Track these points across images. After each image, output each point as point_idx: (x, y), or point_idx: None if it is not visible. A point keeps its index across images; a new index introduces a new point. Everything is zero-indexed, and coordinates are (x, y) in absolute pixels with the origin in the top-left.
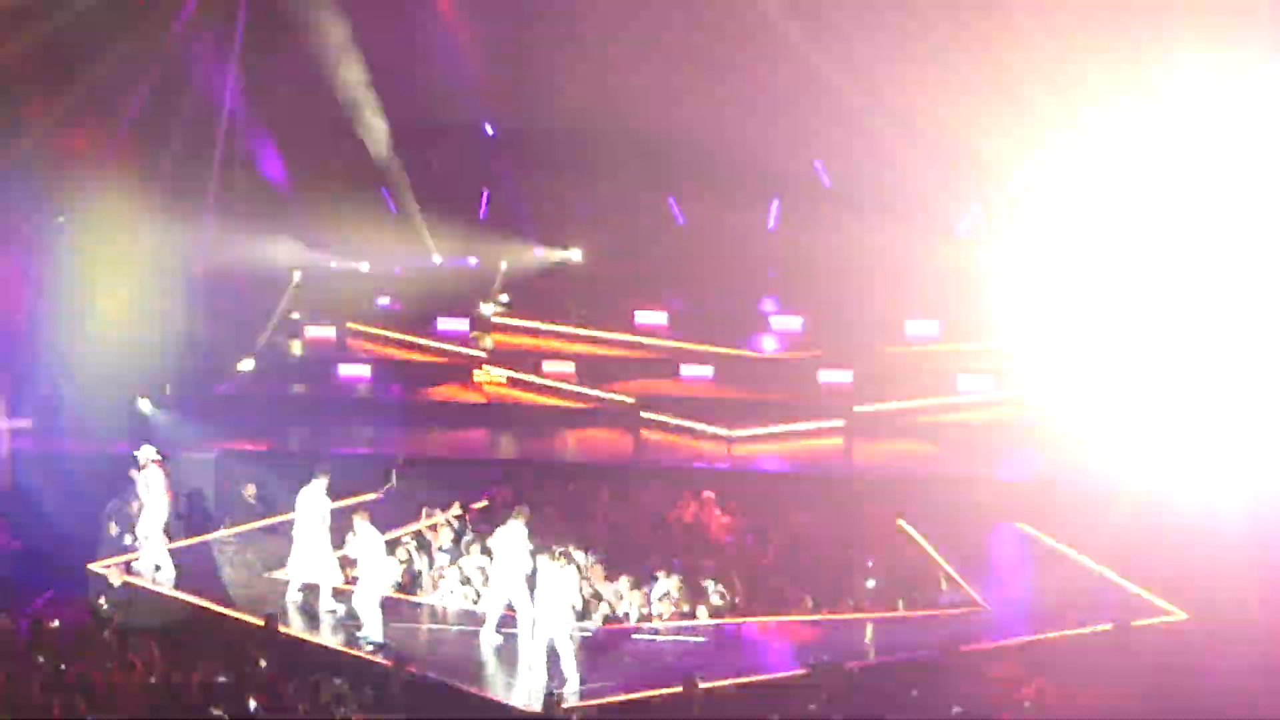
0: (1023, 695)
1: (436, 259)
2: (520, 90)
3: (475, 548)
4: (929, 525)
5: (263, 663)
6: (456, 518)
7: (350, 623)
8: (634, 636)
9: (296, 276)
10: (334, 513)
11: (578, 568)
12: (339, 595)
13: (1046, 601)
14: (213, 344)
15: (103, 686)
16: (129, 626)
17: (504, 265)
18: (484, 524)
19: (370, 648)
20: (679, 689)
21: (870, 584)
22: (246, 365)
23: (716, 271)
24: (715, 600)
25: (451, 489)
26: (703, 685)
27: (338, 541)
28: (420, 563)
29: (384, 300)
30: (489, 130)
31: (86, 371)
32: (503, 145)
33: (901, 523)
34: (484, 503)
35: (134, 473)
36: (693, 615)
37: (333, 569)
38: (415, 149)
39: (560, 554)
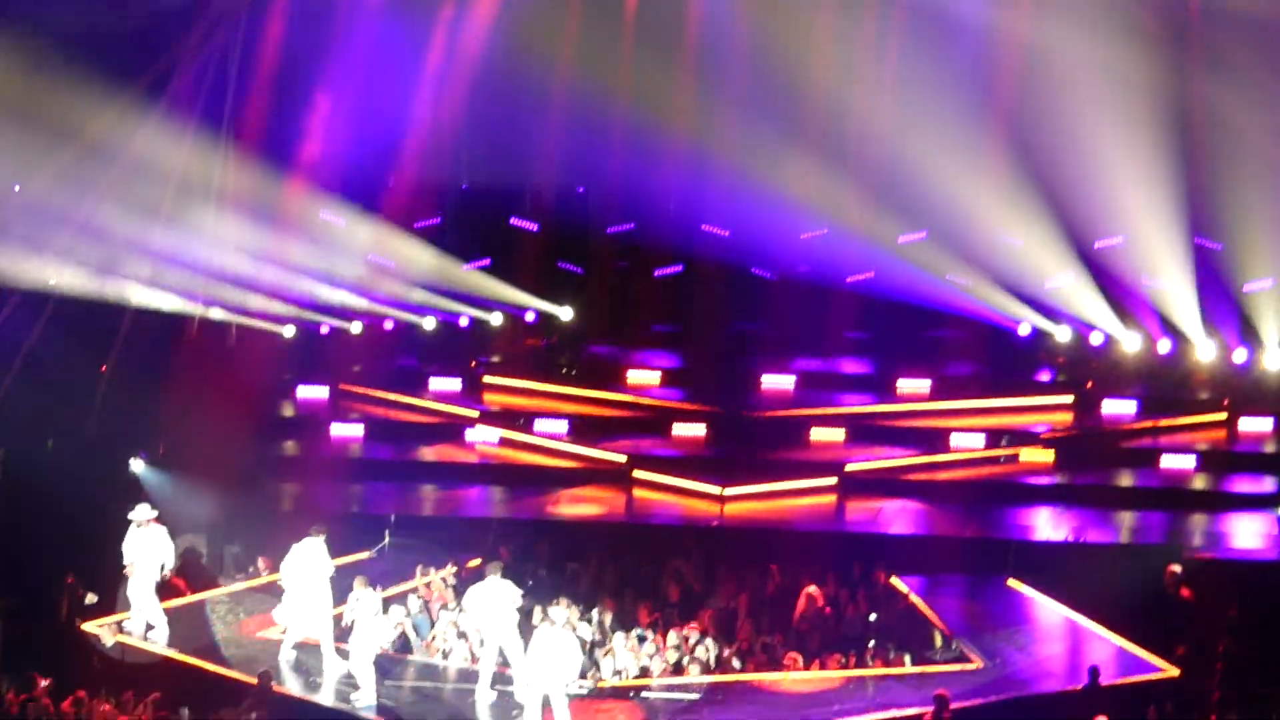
0: None
1: (429, 322)
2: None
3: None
4: (923, 583)
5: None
6: (451, 575)
7: (350, 682)
8: (634, 695)
9: (289, 333)
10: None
11: (570, 625)
12: (340, 653)
13: (1037, 658)
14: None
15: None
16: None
17: (496, 322)
18: (477, 582)
19: (364, 709)
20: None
21: (871, 643)
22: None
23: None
24: (706, 658)
25: (445, 547)
26: None
27: (336, 601)
28: (416, 621)
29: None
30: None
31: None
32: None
33: (895, 580)
34: (477, 560)
35: (131, 530)
36: (684, 672)
37: (330, 625)
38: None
39: (550, 612)
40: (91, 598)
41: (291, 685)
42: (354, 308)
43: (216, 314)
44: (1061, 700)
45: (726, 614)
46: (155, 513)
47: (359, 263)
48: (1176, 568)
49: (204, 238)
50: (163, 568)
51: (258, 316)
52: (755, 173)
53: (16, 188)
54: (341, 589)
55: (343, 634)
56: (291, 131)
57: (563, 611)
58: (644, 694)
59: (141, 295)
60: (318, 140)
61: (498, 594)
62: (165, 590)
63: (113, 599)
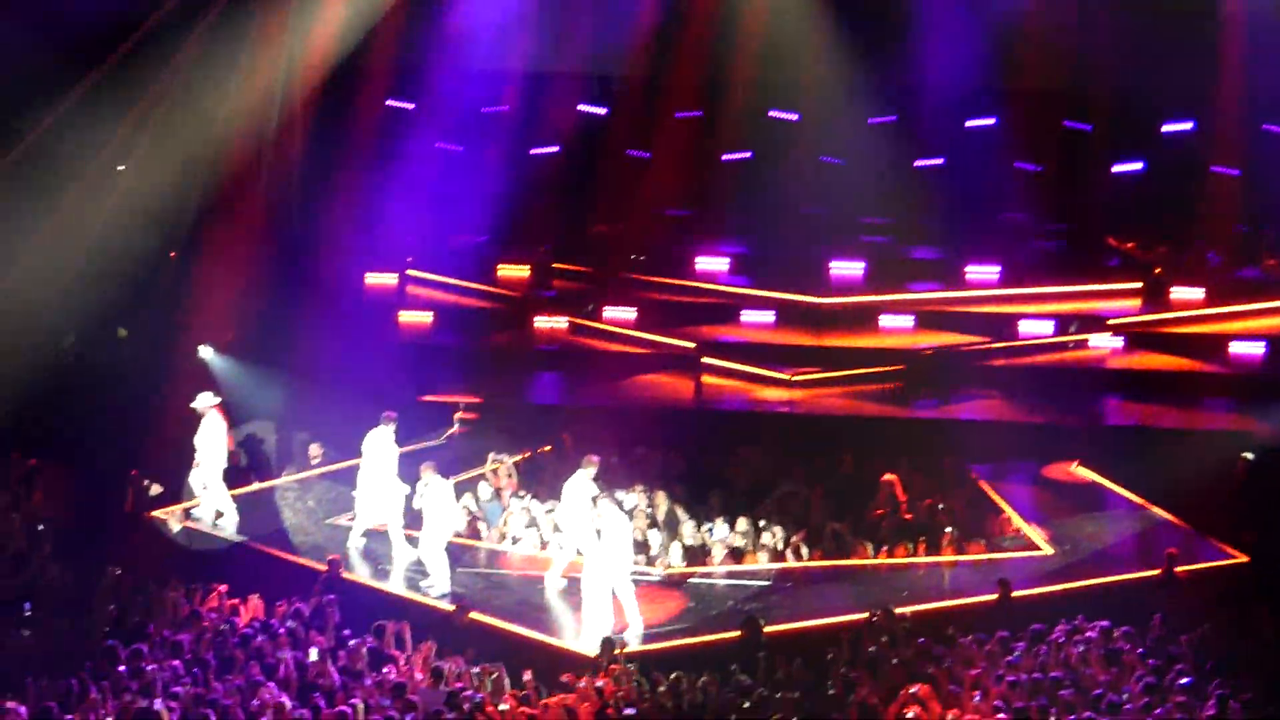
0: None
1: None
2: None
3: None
4: (993, 469)
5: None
6: (520, 463)
7: (419, 569)
8: (694, 581)
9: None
10: (400, 458)
11: (640, 513)
12: (409, 540)
13: (1106, 545)
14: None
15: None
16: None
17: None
18: (547, 470)
19: (436, 596)
20: (740, 632)
21: (948, 530)
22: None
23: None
24: (774, 545)
25: (513, 435)
26: (765, 628)
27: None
28: (486, 508)
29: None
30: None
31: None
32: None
33: (964, 467)
34: (547, 448)
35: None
36: (752, 559)
37: (400, 512)
38: None
39: (619, 499)
40: (156, 489)
41: (361, 572)
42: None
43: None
44: (1134, 586)
45: (795, 501)
46: (217, 400)
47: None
48: (1249, 455)
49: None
50: (222, 452)
51: (328, 203)
52: (824, 57)
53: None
54: (410, 476)
55: (412, 521)
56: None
57: (631, 498)
58: (711, 581)
59: (210, 179)
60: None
61: (584, 488)
62: (234, 478)
63: (179, 488)
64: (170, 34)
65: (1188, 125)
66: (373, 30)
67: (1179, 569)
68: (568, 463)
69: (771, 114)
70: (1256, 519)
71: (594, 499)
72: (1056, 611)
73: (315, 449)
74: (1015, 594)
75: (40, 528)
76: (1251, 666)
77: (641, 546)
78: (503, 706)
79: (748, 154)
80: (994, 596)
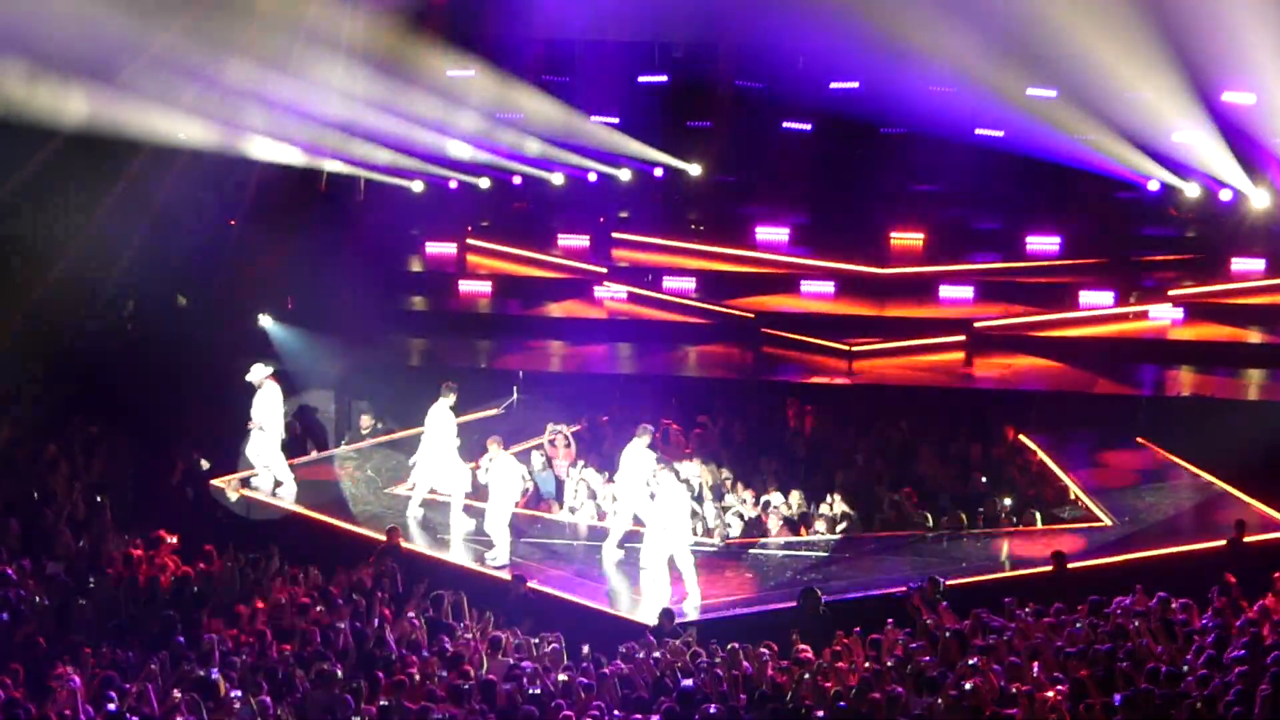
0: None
1: (556, 178)
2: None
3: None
4: (1052, 440)
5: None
6: (579, 432)
7: (478, 539)
8: (753, 552)
9: (418, 188)
10: (460, 428)
11: (699, 484)
12: (469, 511)
13: (1166, 516)
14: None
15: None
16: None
17: (625, 178)
18: (605, 440)
19: (497, 566)
20: (798, 603)
21: (1007, 501)
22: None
23: (839, 187)
24: (833, 515)
25: (573, 405)
26: (823, 598)
27: (466, 458)
28: (539, 478)
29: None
30: None
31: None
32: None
33: (1024, 437)
34: (605, 418)
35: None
36: (810, 529)
37: (463, 482)
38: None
39: (675, 470)
40: (205, 464)
41: (420, 542)
42: (481, 162)
43: (345, 169)
44: (1194, 558)
45: (854, 471)
46: (270, 370)
47: (485, 117)
48: None
49: (332, 91)
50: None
51: (386, 171)
52: (884, 26)
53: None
54: (469, 445)
55: (473, 492)
56: None
57: (692, 468)
58: (769, 552)
59: (270, 150)
60: None
61: (640, 457)
62: (294, 448)
63: (235, 457)
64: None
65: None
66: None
67: (1243, 540)
68: (625, 433)
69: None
70: None
71: (653, 469)
72: (1115, 583)
73: (366, 420)
74: (1073, 565)
75: (99, 498)
76: None
77: (699, 517)
78: (561, 677)
79: (808, 126)
80: (1049, 569)
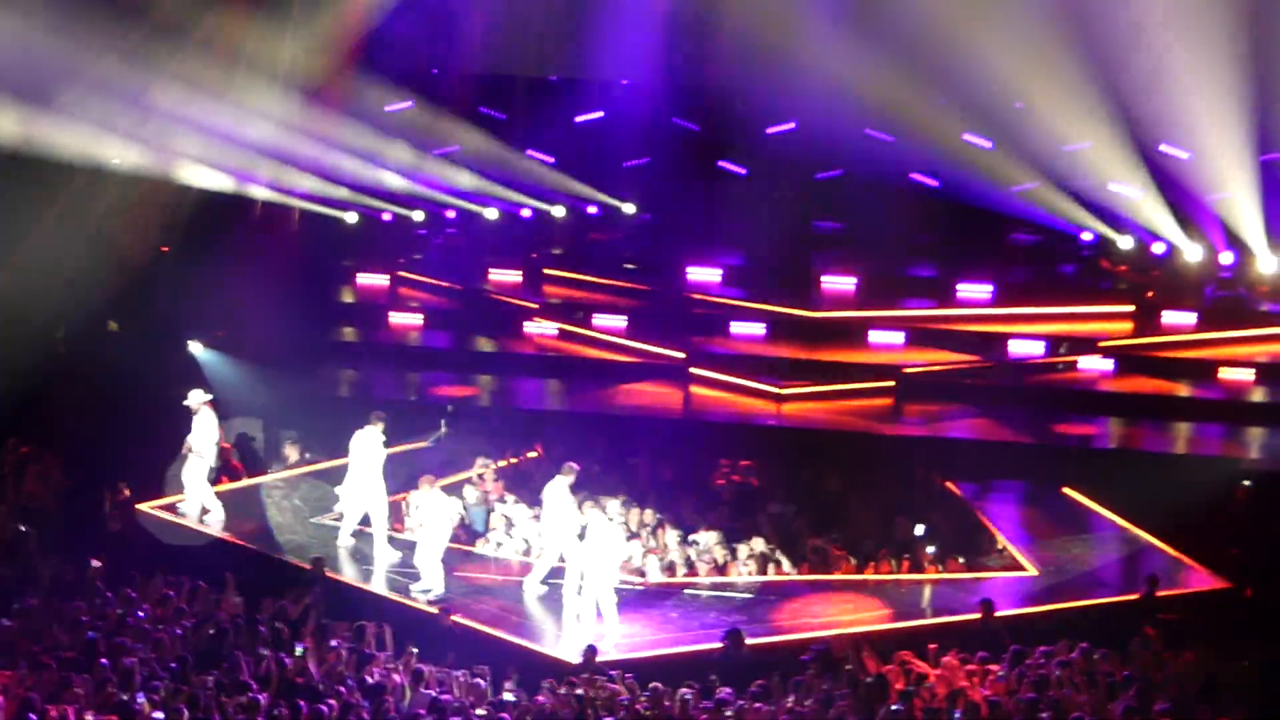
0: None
1: (490, 213)
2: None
3: (522, 499)
4: (979, 488)
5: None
6: (504, 468)
7: (404, 571)
8: (677, 592)
9: (351, 219)
10: (388, 460)
11: (625, 522)
12: (394, 542)
13: (1091, 566)
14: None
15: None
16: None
17: (559, 215)
18: (533, 476)
19: (428, 600)
20: (722, 644)
21: (930, 549)
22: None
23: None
24: (758, 557)
25: (502, 439)
26: (747, 641)
27: (392, 489)
28: (471, 514)
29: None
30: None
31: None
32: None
33: (950, 485)
34: (535, 453)
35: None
36: (735, 571)
37: (384, 513)
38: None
39: (602, 507)
40: (124, 493)
41: (347, 573)
42: (416, 195)
43: (279, 198)
44: (1117, 609)
45: (780, 514)
46: (209, 397)
47: (421, 150)
48: (1248, 482)
49: (267, 119)
50: (211, 448)
51: (319, 201)
52: (821, 71)
53: None
54: (397, 477)
55: (399, 523)
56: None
57: (617, 506)
58: (695, 592)
59: (205, 177)
60: (387, 27)
61: (564, 493)
62: (223, 474)
63: (161, 483)
64: (175, 29)
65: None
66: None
67: (1160, 593)
68: (553, 469)
69: (769, 130)
70: (1249, 545)
71: (580, 506)
72: (1039, 632)
73: (291, 450)
74: (998, 614)
75: (24, 526)
76: (1235, 693)
77: (624, 555)
78: (479, 712)
79: (743, 169)
80: (976, 616)
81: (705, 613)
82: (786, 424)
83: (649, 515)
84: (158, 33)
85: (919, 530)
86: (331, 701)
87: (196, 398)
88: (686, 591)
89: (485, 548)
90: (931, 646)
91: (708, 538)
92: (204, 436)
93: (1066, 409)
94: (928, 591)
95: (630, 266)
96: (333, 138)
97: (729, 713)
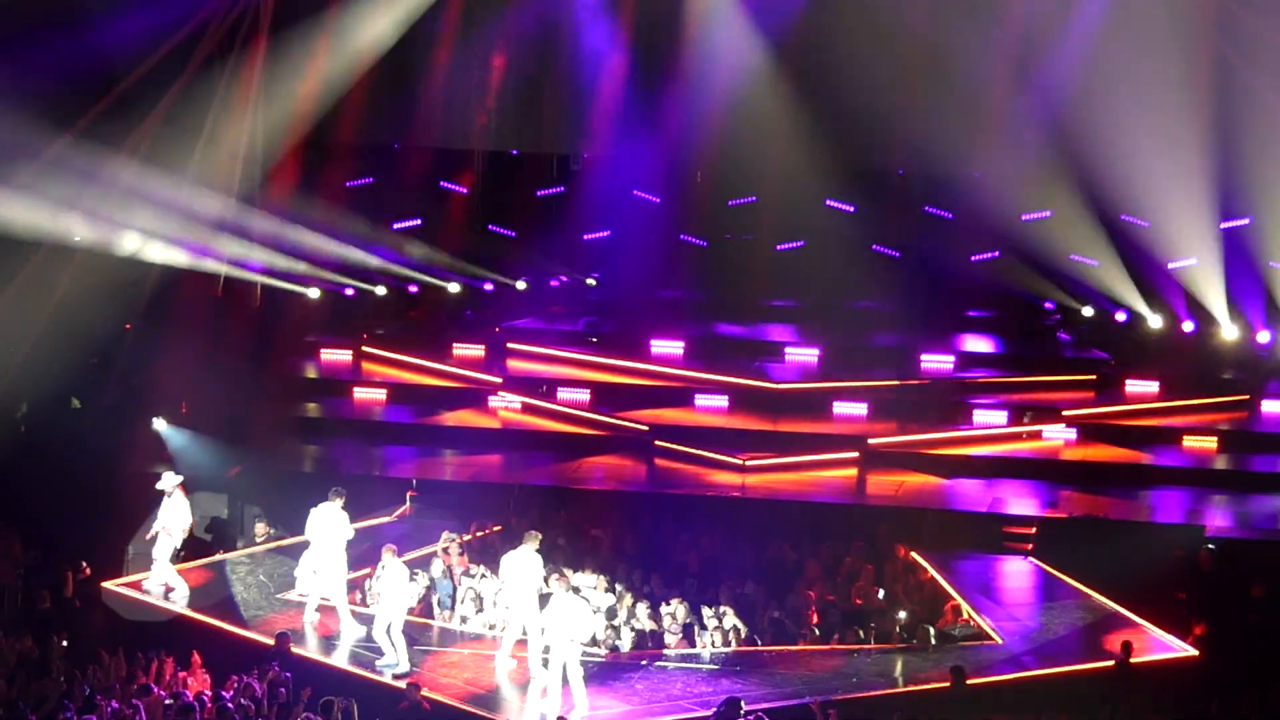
0: None
1: (453, 286)
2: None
3: (488, 572)
4: (943, 558)
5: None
6: (470, 541)
7: (368, 646)
8: (644, 663)
9: (314, 294)
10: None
11: (590, 592)
12: (358, 617)
13: (1057, 635)
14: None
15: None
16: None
17: (520, 287)
18: (498, 549)
19: (395, 675)
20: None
21: (901, 615)
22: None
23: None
24: (725, 629)
25: (465, 513)
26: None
27: (356, 564)
28: (438, 586)
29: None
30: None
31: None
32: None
33: (914, 554)
34: (498, 527)
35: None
36: (702, 643)
37: (343, 589)
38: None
39: (568, 580)
40: (85, 573)
41: (312, 648)
42: (378, 270)
43: (241, 274)
44: (1085, 678)
45: (747, 585)
46: (181, 478)
47: (382, 225)
48: (1211, 547)
49: (229, 196)
50: (183, 532)
51: (282, 277)
52: (779, 144)
53: None
54: (361, 552)
55: (362, 598)
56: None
57: (585, 578)
58: (659, 663)
59: (167, 253)
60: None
61: (528, 564)
62: (191, 551)
63: (123, 560)
64: (139, 101)
65: None
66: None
67: (1131, 661)
68: (518, 542)
69: (731, 203)
70: (1212, 612)
71: (546, 579)
72: (1007, 701)
73: (261, 528)
74: (970, 682)
75: None
76: None
77: (591, 626)
78: None
79: (704, 241)
80: (946, 685)
81: (671, 683)
82: (751, 495)
83: (615, 586)
84: (117, 109)
85: (880, 596)
86: None
87: (169, 480)
88: (652, 663)
89: (452, 621)
90: (897, 716)
91: (675, 609)
92: (175, 518)
93: (1030, 477)
94: (898, 661)
95: (594, 340)
96: (292, 212)
97: None
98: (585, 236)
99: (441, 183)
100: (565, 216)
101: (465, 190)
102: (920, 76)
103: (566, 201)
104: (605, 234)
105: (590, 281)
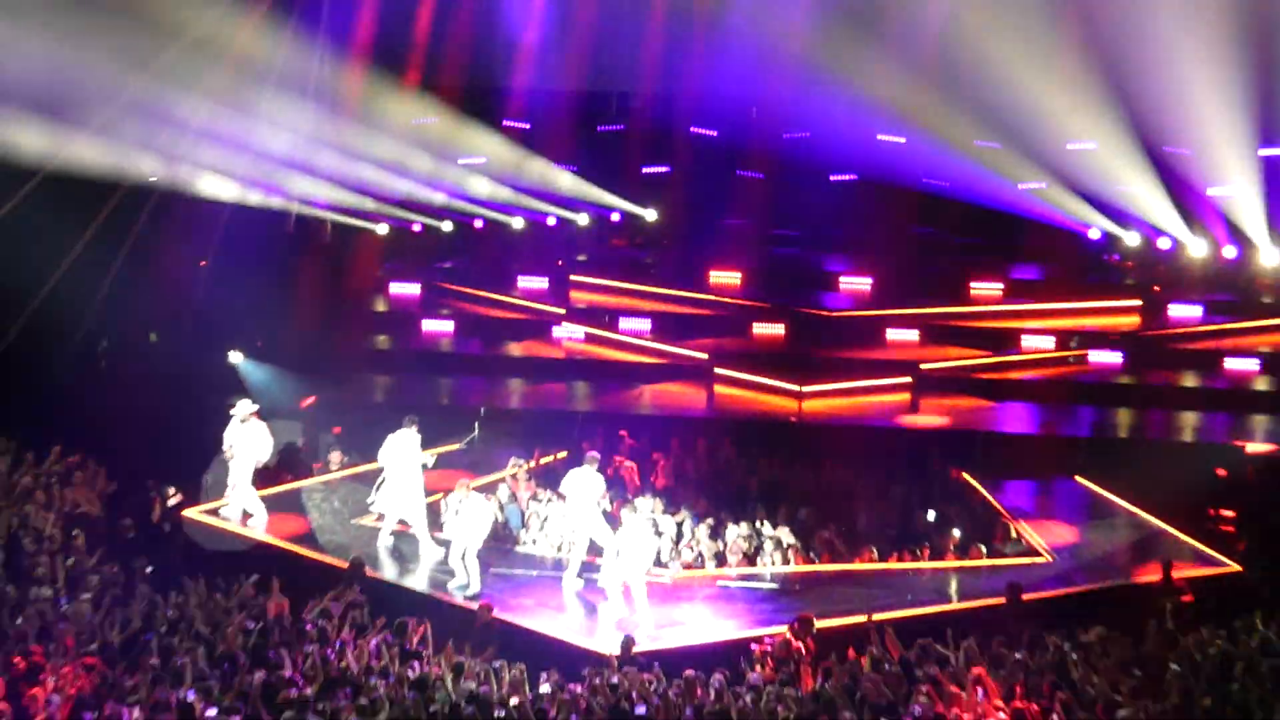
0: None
1: (518, 222)
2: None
3: (554, 497)
4: (993, 479)
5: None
6: (536, 468)
7: (444, 569)
8: (707, 583)
9: (383, 230)
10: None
11: (652, 516)
12: (436, 540)
13: (1104, 552)
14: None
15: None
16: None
17: (583, 223)
18: (563, 474)
19: (463, 596)
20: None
21: (956, 533)
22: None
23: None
24: (784, 549)
25: (531, 440)
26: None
27: (427, 492)
28: (507, 511)
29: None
30: None
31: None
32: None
33: (967, 476)
34: (564, 454)
35: (234, 422)
36: (761, 562)
37: (424, 513)
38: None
39: (633, 505)
40: (176, 497)
41: (388, 571)
42: (444, 206)
43: (313, 211)
44: (1132, 592)
45: (804, 507)
46: (256, 407)
47: (448, 161)
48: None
49: (299, 134)
50: (261, 460)
51: (352, 214)
52: (834, 76)
53: None
54: (430, 479)
55: (438, 523)
56: (387, 29)
57: (646, 502)
58: (721, 583)
59: (240, 192)
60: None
61: (588, 484)
62: (266, 479)
63: (200, 488)
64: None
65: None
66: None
67: (1176, 575)
68: (580, 464)
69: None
70: (1253, 527)
71: (610, 501)
72: (1057, 616)
73: (336, 456)
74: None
75: (74, 531)
76: (1246, 672)
77: (655, 549)
78: (514, 701)
79: (759, 174)
80: (1000, 600)
81: (734, 603)
82: (808, 420)
83: (677, 509)
84: (189, 49)
85: (931, 516)
86: (375, 695)
87: (244, 408)
88: (718, 583)
89: (521, 545)
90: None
91: (735, 530)
92: (250, 444)
93: (1077, 400)
94: (951, 579)
95: (654, 270)
96: (364, 150)
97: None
98: (644, 170)
99: (505, 120)
100: (625, 152)
101: (528, 126)
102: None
103: (625, 138)
104: (665, 169)
105: (651, 215)
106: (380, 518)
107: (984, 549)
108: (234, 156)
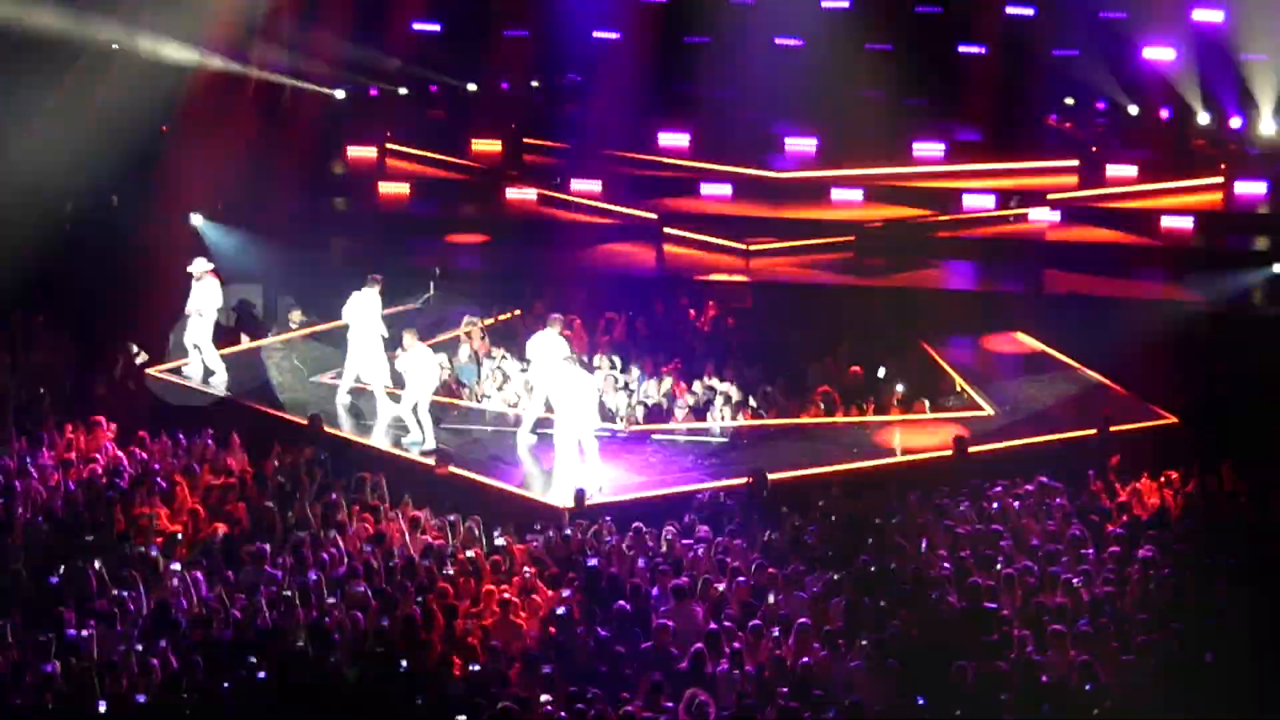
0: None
1: (471, 85)
2: None
3: (509, 354)
4: (937, 335)
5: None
6: (492, 325)
7: (399, 426)
8: (656, 438)
9: (339, 95)
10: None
11: (604, 371)
12: (392, 398)
13: (1045, 406)
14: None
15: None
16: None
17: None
18: (519, 333)
19: (420, 452)
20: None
21: (900, 388)
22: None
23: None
24: (732, 404)
25: (485, 299)
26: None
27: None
28: (461, 369)
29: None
30: None
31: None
32: None
33: (909, 331)
34: (518, 312)
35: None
36: (710, 417)
37: (384, 371)
38: None
39: (583, 360)
40: (141, 355)
41: (344, 427)
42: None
43: (272, 76)
44: (1072, 445)
45: (753, 363)
46: (211, 265)
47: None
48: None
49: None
50: (214, 314)
51: (309, 79)
52: None
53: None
54: (390, 338)
55: (395, 381)
56: None
57: (599, 359)
58: (672, 438)
59: (200, 56)
60: None
61: (552, 345)
62: (224, 338)
63: (167, 348)
64: None
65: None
66: None
67: (1113, 429)
68: (538, 326)
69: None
70: (1190, 383)
71: (563, 356)
72: (999, 468)
73: (296, 315)
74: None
75: (40, 390)
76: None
77: (606, 405)
78: (469, 553)
79: (706, 39)
80: (945, 453)
81: (683, 456)
82: (755, 279)
83: (629, 367)
84: None
85: (880, 373)
86: (333, 549)
87: (200, 266)
88: (665, 437)
89: (475, 400)
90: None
91: (683, 386)
92: (207, 301)
93: (1017, 258)
94: (895, 433)
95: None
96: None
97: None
98: (595, 34)
99: None
100: (579, 17)
101: None
102: None
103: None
104: (615, 35)
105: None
106: (338, 375)
107: (928, 404)
108: (195, 21)
